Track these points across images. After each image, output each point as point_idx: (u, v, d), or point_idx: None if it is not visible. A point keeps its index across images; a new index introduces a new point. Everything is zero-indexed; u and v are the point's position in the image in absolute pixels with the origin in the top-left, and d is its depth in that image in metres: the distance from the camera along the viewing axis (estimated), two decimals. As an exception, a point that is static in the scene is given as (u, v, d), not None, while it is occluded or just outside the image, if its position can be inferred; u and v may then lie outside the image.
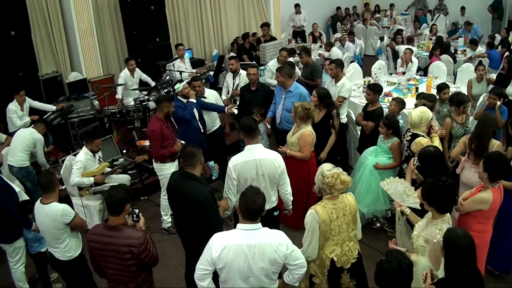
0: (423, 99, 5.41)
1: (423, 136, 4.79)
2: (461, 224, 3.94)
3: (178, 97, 5.82)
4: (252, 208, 3.00)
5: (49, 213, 3.78)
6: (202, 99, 6.08)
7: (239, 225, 3.05)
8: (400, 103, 5.50)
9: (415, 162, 4.28)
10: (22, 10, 7.18)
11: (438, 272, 3.29)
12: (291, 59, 8.26)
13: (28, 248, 4.60)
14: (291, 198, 4.35)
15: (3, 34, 6.98)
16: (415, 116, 4.84)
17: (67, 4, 8.32)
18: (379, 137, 5.29)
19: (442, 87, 6.06)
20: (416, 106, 5.59)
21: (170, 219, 5.71)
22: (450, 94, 5.84)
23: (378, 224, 5.53)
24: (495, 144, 4.51)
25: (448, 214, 3.40)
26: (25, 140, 5.73)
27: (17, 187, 5.38)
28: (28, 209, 4.56)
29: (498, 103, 5.68)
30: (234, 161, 4.06)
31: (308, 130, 4.92)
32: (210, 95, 6.21)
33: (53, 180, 3.84)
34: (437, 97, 5.92)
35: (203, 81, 8.37)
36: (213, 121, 6.34)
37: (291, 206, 4.44)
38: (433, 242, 3.27)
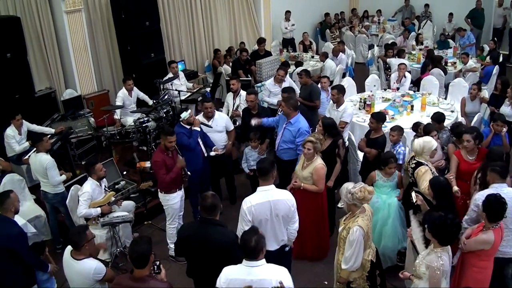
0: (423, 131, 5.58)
1: (426, 164, 4.92)
2: (465, 261, 4.17)
3: (182, 123, 5.84)
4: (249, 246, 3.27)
5: (80, 270, 3.77)
6: (207, 127, 6.12)
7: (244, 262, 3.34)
8: (401, 131, 5.66)
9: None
10: (18, 32, 7.07)
11: None
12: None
13: None
14: (295, 235, 4.44)
15: (-1, 57, 6.88)
16: (417, 145, 5.01)
17: (60, 20, 8.21)
18: (376, 178, 5.27)
19: (431, 118, 6.23)
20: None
21: (176, 247, 5.75)
22: (450, 124, 6.01)
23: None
24: None
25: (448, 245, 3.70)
26: (40, 169, 5.63)
27: (22, 219, 5.39)
28: (40, 251, 4.59)
29: (504, 129, 5.80)
30: (249, 203, 4.11)
31: (320, 163, 5.01)
32: (219, 118, 6.23)
33: (84, 237, 3.82)
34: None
35: (200, 98, 8.47)
36: (221, 144, 6.35)
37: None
38: (433, 267, 3.59)
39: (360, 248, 4.00)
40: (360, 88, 9.23)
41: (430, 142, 4.99)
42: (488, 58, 10.19)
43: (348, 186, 4.10)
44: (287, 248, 4.46)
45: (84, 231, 3.85)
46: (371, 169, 5.75)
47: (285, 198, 4.17)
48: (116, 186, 6.57)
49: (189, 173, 5.52)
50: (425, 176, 4.75)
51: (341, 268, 4.14)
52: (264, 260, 3.34)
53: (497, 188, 4.24)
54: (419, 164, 4.93)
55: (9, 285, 4.35)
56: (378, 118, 5.73)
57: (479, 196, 4.24)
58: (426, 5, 14.34)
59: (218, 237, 3.69)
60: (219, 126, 6.24)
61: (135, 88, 7.99)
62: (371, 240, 4.27)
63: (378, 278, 4.37)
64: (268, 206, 4.10)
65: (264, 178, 4.15)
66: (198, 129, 5.86)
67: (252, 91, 6.70)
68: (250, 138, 6.32)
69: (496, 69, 9.25)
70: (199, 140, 5.97)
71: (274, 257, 3.39)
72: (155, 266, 3.52)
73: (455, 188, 4.95)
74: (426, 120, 6.73)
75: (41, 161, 5.57)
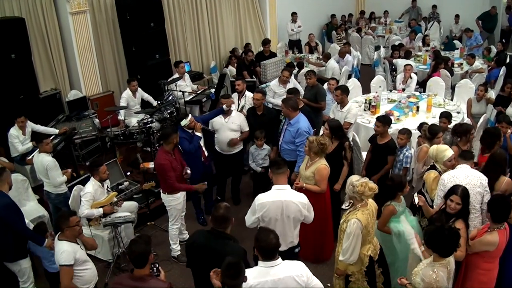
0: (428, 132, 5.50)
1: (439, 171, 4.84)
2: (469, 263, 4.11)
3: (184, 127, 5.82)
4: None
5: (56, 249, 4.10)
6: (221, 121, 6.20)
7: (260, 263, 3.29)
8: (410, 134, 5.59)
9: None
10: (22, 32, 7.09)
11: None
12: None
13: (47, 266, 4.83)
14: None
15: (3, 57, 6.89)
16: (430, 151, 5.00)
17: (65, 22, 8.23)
18: (396, 209, 4.60)
19: (440, 116, 6.21)
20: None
21: (179, 248, 5.72)
22: (452, 125, 5.95)
23: None
24: (504, 181, 4.61)
25: (448, 258, 3.55)
26: (41, 169, 5.66)
27: (25, 219, 5.39)
28: (43, 230, 4.81)
29: (509, 131, 5.72)
30: (261, 200, 4.11)
31: (323, 164, 4.95)
32: (236, 116, 6.28)
33: (65, 221, 4.05)
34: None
35: (205, 99, 8.45)
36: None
37: None
38: (426, 283, 3.52)
39: (357, 241, 3.97)
40: (366, 90, 9.17)
41: (443, 151, 4.85)
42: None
43: (353, 178, 4.12)
44: (297, 250, 4.42)
45: (67, 217, 4.06)
46: (375, 171, 5.70)
47: (298, 201, 4.14)
48: (120, 187, 6.56)
49: (188, 171, 5.49)
50: (434, 183, 4.72)
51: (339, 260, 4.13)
52: (280, 258, 3.31)
53: (461, 167, 4.55)
54: (432, 167, 4.90)
55: None
56: (385, 121, 5.60)
57: (446, 176, 4.51)
58: (434, 6, 14.24)
59: (228, 251, 3.48)
60: (234, 124, 6.24)
61: (139, 89, 7.99)
62: (372, 236, 4.19)
63: (382, 276, 4.32)
64: (280, 206, 4.08)
65: (277, 172, 4.13)
66: (200, 134, 5.86)
67: (260, 90, 6.68)
68: (256, 136, 6.31)
69: (503, 71, 9.15)
70: (201, 142, 5.98)
71: (282, 258, 3.34)
72: (154, 268, 3.50)
73: None
74: (432, 121, 6.66)
75: (43, 162, 5.60)
